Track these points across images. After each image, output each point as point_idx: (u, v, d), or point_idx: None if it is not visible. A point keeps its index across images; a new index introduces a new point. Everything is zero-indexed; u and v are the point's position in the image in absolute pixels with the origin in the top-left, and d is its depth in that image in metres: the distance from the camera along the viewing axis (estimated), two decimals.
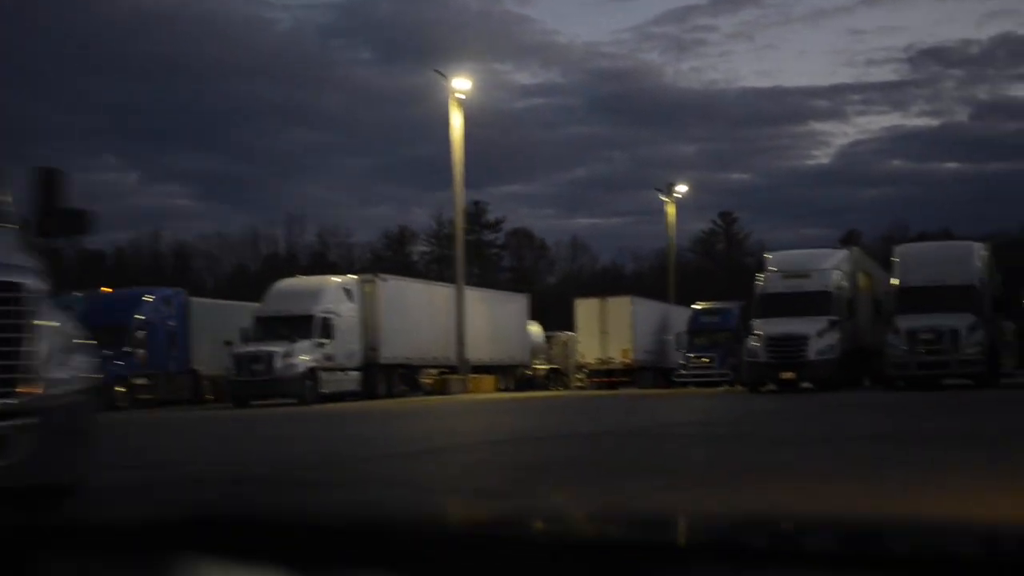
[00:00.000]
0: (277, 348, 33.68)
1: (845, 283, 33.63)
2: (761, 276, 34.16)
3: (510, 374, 45.66)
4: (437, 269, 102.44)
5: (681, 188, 60.82)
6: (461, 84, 40.47)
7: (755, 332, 32.57)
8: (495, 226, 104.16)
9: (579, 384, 49.62)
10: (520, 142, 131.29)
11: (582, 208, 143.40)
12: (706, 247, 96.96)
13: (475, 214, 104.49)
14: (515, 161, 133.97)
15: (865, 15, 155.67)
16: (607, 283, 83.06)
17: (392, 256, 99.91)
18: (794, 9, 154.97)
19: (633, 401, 31.05)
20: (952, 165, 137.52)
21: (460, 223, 42.13)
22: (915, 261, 32.41)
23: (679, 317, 49.10)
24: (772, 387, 32.13)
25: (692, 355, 45.21)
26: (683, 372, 45.16)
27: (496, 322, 44.38)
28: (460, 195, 41.45)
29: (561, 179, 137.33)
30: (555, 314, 54.11)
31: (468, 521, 1.91)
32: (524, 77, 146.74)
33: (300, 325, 34.48)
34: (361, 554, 1.27)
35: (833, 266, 33.67)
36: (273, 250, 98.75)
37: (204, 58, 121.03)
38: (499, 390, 43.14)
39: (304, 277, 39.37)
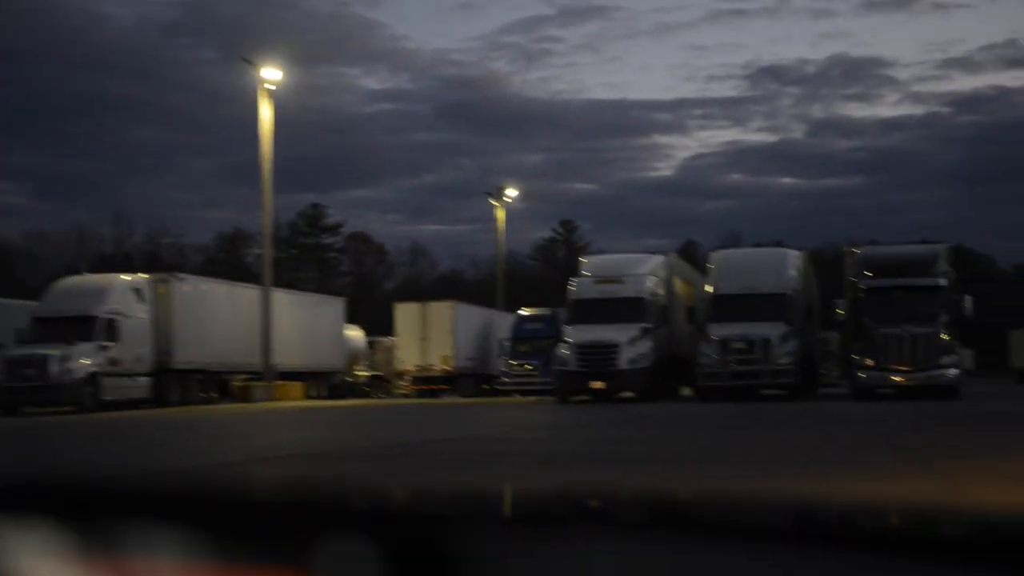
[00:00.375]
0: (53, 351, 30.96)
1: (660, 290, 32.46)
2: (575, 281, 32.80)
3: (323, 381, 43.45)
4: (274, 272, 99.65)
5: (511, 193, 59.35)
6: (271, 74, 38.23)
7: (565, 339, 31.18)
8: (334, 229, 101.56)
9: (402, 392, 47.69)
10: (368, 147, 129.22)
11: (429, 214, 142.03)
12: (547, 255, 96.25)
13: (314, 217, 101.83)
14: (363, 166, 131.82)
15: (707, 32, 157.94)
16: (446, 289, 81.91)
17: (226, 258, 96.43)
18: (639, 23, 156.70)
19: (436, 411, 29.34)
20: (788, 180, 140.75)
21: (268, 221, 39.85)
22: (729, 268, 31.38)
23: (505, 323, 47.58)
24: (585, 396, 30.78)
25: (515, 362, 43.71)
26: (506, 380, 43.65)
27: (309, 326, 42.18)
28: (268, 191, 39.16)
29: (409, 185, 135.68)
30: (391, 320, 52.02)
31: (283, 492, 1.74)
32: (373, 82, 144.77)
33: (81, 326, 31.78)
34: (162, 516, 1.17)
35: (648, 272, 32.43)
36: (100, 250, 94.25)
37: (41, 51, 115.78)
38: (310, 398, 40.97)
39: (90, 275, 36.52)
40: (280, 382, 38.86)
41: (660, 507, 1.41)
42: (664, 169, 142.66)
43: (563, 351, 30.91)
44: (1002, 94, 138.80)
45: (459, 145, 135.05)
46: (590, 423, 20.25)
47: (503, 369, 44.32)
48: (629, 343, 30.38)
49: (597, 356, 30.25)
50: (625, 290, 31.46)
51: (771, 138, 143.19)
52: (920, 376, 28.17)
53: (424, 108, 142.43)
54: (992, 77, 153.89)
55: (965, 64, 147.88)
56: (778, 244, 70.03)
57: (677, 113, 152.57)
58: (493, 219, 59.59)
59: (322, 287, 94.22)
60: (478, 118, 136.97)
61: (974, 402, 25.52)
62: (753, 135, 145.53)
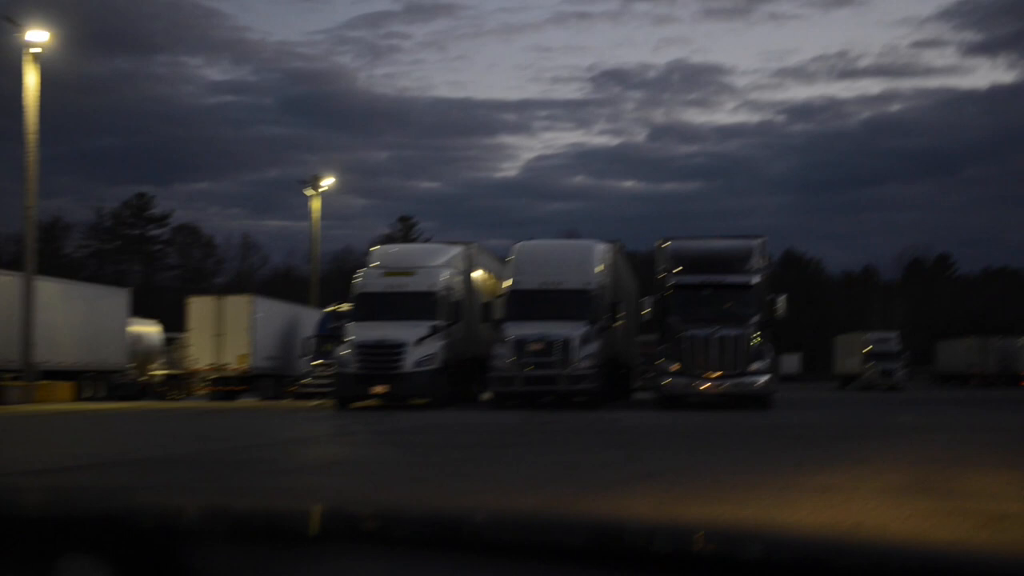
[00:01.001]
0: None
1: (456, 284, 29.47)
2: (361, 273, 29.62)
3: (102, 381, 39.37)
4: (96, 263, 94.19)
5: (327, 181, 55.76)
6: (36, 36, 34.09)
7: (347, 338, 27.99)
8: (161, 220, 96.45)
9: (203, 392, 43.86)
10: (210, 139, 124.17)
11: (272, 209, 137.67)
12: None
13: (139, 207, 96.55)
14: (204, 159, 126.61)
15: (553, 33, 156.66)
16: (281, 284, 78.64)
17: (42, 248, 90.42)
18: (485, 23, 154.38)
19: (200, 417, 25.93)
20: (630, 183, 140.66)
21: (33, 200, 35.57)
22: (529, 261, 28.46)
23: (313, 320, 44.09)
24: (371, 402, 27.66)
25: (319, 363, 40.28)
26: (309, 381, 40.21)
27: (85, 320, 38.06)
28: (33, 165, 34.88)
29: (251, 179, 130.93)
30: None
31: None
32: (214, 73, 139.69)
33: None
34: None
35: (442, 264, 29.37)
36: None
37: None
38: (83, 399, 36.95)
39: None
40: (44, 382, 34.80)
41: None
42: (509, 169, 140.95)
43: (343, 351, 27.73)
44: (833, 104, 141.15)
45: (303, 139, 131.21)
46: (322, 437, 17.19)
47: (306, 370, 40.94)
48: (416, 343, 27.34)
49: (380, 357, 27.13)
50: (415, 283, 28.39)
51: (614, 141, 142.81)
52: (728, 383, 25.81)
53: (268, 101, 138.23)
54: (824, 87, 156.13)
55: (799, 74, 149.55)
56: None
57: (522, 114, 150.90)
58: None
59: (147, 280, 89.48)
60: (323, 113, 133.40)
61: (779, 413, 23.18)
62: (596, 138, 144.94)
